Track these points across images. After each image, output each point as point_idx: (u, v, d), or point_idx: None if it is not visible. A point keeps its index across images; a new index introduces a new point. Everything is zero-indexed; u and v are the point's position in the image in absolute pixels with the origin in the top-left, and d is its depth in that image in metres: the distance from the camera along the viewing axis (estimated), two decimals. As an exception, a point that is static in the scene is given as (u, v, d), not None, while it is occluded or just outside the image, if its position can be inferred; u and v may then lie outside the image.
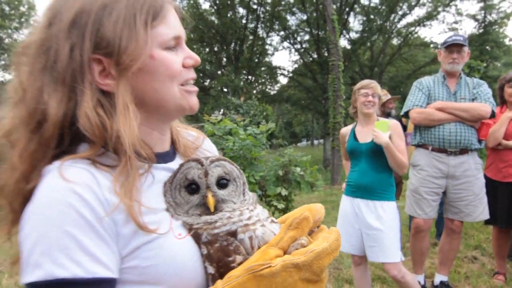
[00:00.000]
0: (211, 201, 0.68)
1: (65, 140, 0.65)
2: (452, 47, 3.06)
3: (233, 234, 0.66)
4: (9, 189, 0.64)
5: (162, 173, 0.73)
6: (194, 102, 0.75)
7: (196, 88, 0.76)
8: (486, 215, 3.09)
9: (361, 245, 2.62)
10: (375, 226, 2.49)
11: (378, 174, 2.57)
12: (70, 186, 0.58)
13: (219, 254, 0.64)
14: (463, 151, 3.01)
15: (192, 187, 0.70)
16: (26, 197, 0.61)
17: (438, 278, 3.18)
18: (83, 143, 0.66)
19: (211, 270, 0.64)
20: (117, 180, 0.62)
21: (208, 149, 0.92)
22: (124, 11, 0.65)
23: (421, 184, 3.09)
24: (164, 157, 0.76)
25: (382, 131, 2.50)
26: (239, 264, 0.63)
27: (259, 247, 0.65)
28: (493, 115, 3.01)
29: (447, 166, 3.02)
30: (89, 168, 0.63)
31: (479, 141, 3.05)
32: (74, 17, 0.64)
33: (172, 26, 0.71)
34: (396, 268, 2.46)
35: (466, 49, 3.10)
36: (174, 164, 0.75)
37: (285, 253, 0.62)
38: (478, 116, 2.95)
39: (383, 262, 2.52)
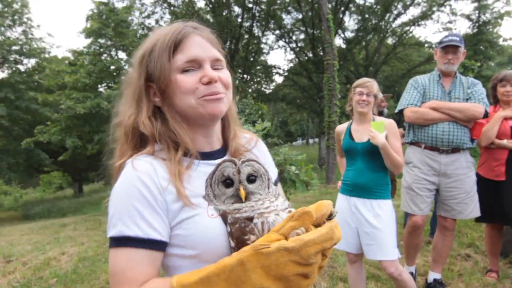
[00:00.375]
0: (242, 193, 0.86)
1: (135, 139, 0.95)
2: (447, 47, 3.07)
3: (251, 219, 0.83)
4: (113, 168, 0.97)
5: (207, 167, 0.94)
6: (212, 109, 0.92)
7: (215, 97, 0.92)
8: (477, 213, 3.11)
9: (357, 243, 2.62)
10: (373, 224, 2.49)
11: (374, 173, 2.57)
12: (137, 174, 0.85)
13: (238, 233, 0.82)
14: (455, 150, 3.03)
15: (227, 182, 0.89)
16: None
17: (432, 275, 3.20)
18: (149, 144, 0.94)
19: (232, 244, 0.83)
20: (168, 168, 0.88)
21: (257, 150, 1.14)
22: (158, 51, 0.92)
23: (414, 180, 3.11)
24: (213, 155, 0.99)
25: (378, 131, 2.49)
26: (253, 242, 0.77)
27: (269, 231, 0.79)
28: (486, 115, 3.02)
29: (439, 164, 3.05)
30: (151, 160, 0.89)
31: (472, 140, 3.07)
32: (140, 58, 0.96)
33: (188, 52, 0.91)
34: (393, 266, 2.46)
35: (462, 49, 3.10)
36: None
37: (286, 239, 0.74)
38: (471, 117, 2.97)
39: (380, 260, 2.51)
